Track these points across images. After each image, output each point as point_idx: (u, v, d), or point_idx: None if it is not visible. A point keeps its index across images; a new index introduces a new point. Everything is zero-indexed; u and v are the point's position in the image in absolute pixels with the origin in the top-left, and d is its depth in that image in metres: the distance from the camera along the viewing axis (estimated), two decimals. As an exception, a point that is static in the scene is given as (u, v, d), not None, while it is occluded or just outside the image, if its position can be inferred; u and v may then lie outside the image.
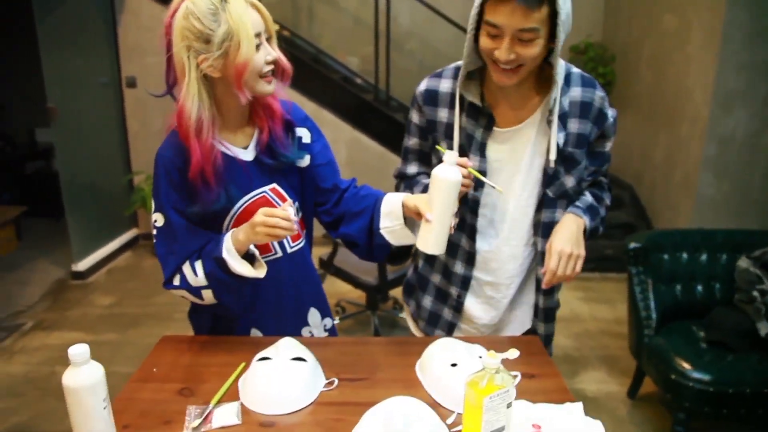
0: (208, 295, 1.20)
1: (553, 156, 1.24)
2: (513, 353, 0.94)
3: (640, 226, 4.20)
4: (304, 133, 1.32)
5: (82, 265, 3.98)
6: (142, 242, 4.73)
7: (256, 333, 1.36)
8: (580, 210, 1.29)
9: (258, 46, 1.09)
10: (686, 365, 2.09)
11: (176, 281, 1.20)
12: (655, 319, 2.33)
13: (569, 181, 1.28)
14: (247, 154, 1.23)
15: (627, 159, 4.61)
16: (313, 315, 1.43)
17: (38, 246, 4.56)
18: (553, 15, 1.09)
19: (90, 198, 4.13)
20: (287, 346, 1.17)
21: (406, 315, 1.62)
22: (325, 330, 1.46)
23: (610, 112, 1.29)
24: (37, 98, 3.89)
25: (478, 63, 1.22)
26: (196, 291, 1.19)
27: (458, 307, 1.42)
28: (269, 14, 1.13)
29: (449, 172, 1.11)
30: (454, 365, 1.12)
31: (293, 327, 1.39)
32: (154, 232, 1.21)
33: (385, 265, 2.77)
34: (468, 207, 1.33)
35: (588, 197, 1.35)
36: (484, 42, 1.15)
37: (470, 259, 1.37)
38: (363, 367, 1.21)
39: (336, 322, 3.14)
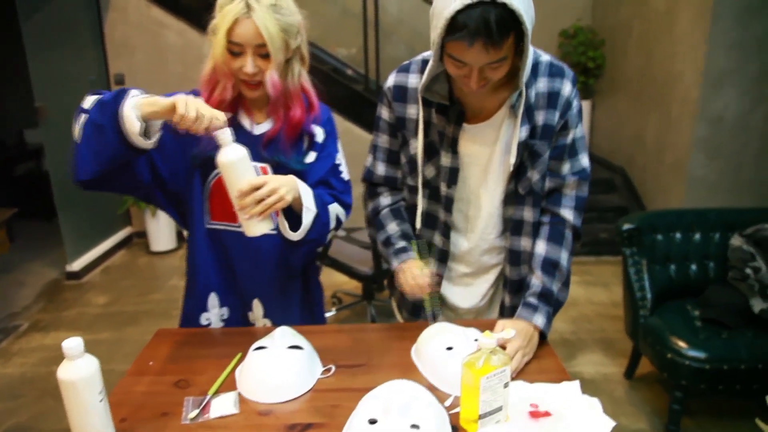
0: (79, 123, 1.10)
1: (512, 160, 1.20)
2: (509, 333, 0.94)
3: (633, 209, 4.21)
4: (318, 132, 1.35)
5: (77, 265, 3.96)
6: (136, 240, 4.71)
7: (214, 297, 1.37)
8: (532, 313, 1.22)
9: (236, 54, 1.19)
10: (682, 344, 2.10)
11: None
12: (650, 300, 2.35)
13: (534, 176, 1.24)
14: (256, 130, 1.30)
15: (618, 142, 4.62)
16: (256, 307, 1.40)
17: (31, 247, 4.53)
18: (519, 34, 1.03)
19: (82, 198, 4.10)
20: (283, 334, 1.16)
21: (393, 303, 1.61)
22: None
23: (576, 102, 1.22)
24: (24, 98, 3.85)
25: (437, 69, 1.14)
26: (78, 111, 1.12)
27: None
28: (277, 38, 1.17)
29: (223, 154, 1.10)
30: (449, 349, 1.13)
31: (241, 303, 1.39)
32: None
33: (379, 255, 2.76)
34: (442, 204, 1.31)
35: (536, 282, 1.25)
36: (452, 70, 1.09)
37: (443, 257, 1.37)
38: (359, 354, 1.21)
39: (333, 313, 3.18)
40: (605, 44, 4.77)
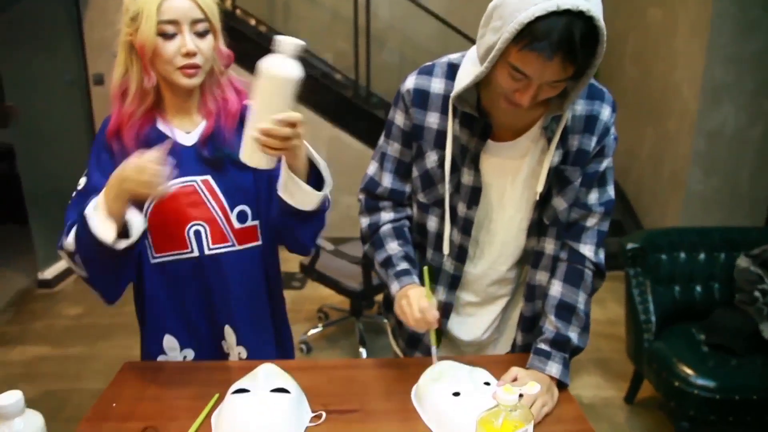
0: (79, 264, 1.07)
1: (540, 188, 1.08)
2: (533, 387, 0.81)
3: (627, 223, 4.13)
4: None
5: (49, 273, 3.76)
6: (113, 247, 4.51)
7: (170, 340, 1.22)
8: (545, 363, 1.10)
9: (170, 35, 1.04)
10: (689, 371, 2.00)
11: (61, 240, 1.09)
12: (654, 323, 2.24)
13: (560, 204, 1.12)
14: (187, 140, 1.16)
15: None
16: (229, 334, 1.23)
17: (1, 253, 4.31)
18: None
19: (56, 202, 3.86)
20: (267, 374, 1.02)
21: (387, 329, 1.47)
22: (240, 358, 1.25)
23: (614, 128, 1.13)
24: (-6, 97, 3.66)
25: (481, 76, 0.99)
26: (71, 257, 1.07)
27: (438, 335, 1.27)
28: (212, 7, 1.07)
29: (281, 66, 0.93)
30: (456, 394, 0.99)
31: (208, 336, 1.23)
32: (73, 194, 1.13)
33: (369, 270, 2.63)
34: (459, 227, 1.17)
35: (550, 328, 1.13)
36: (504, 80, 0.95)
37: (454, 282, 1.23)
38: (353, 396, 1.07)
39: (319, 329, 3.03)
40: (599, 55, 4.70)
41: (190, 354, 1.23)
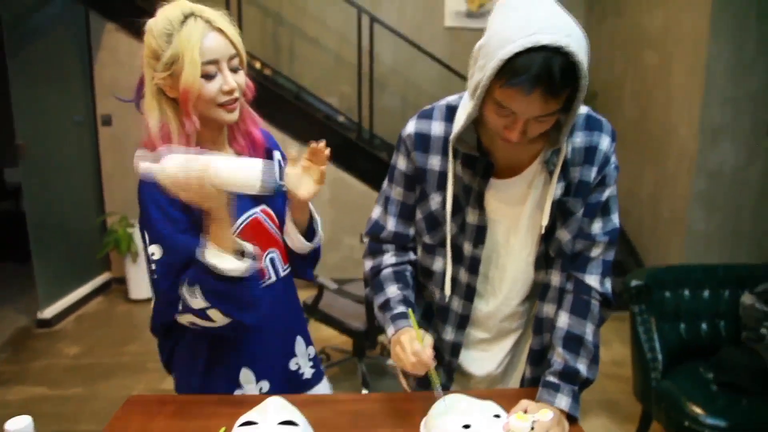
0: (216, 316, 1.06)
1: (545, 222, 1.09)
2: (546, 414, 0.80)
3: (629, 263, 4.12)
4: (278, 156, 1.30)
5: (49, 312, 3.73)
6: (115, 287, 4.50)
7: (247, 373, 1.21)
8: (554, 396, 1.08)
9: (212, 76, 1.06)
10: (699, 410, 1.96)
11: (180, 306, 1.07)
12: (661, 361, 2.21)
13: (564, 236, 1.13)
14: None
15: (613, 195, 4.57)
16: (299, 344, 1.33)
17: (2, 292, 4.30)
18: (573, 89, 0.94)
19: (59, 240, 3.92)
20: (275, 407, 1.01)
21: (397, 369, 1.46)
22: (310, 359, 1.35)
23: (614, 158, 1.14)
24: (5, 135, 3.72)
25: (476, 114, 1.01)
26: (202, 314, 1.06)
27: (450, 372, 1.28)
28: (239, 40, 1.10)
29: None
30: (466, 427, 0.98)
31: (281, 360, 1.28)
32: (153, 267, 1.07)
33: (374, 310, 2.61)
34: (465, 266, 1.18)
35: (558, 361, 1.11)
36: (492, 118, 0.98)
37: (462, 322, 1.23)
38: (361, 430, 1.06)
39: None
40: (598, 97, 4.79)
41: (265, 385, 1.24)
